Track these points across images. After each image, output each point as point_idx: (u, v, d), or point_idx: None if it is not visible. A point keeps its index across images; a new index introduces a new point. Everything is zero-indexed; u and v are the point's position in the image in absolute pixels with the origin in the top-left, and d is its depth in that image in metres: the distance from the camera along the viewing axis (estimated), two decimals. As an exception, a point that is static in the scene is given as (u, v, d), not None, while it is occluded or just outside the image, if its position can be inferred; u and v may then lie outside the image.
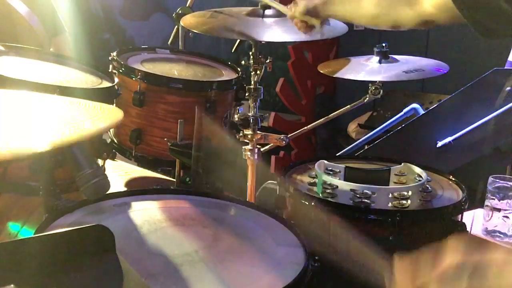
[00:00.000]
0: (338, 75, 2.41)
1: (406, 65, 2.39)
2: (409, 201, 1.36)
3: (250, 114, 1.94)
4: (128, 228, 1.11)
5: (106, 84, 1.56)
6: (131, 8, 4.66)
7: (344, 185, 1.40)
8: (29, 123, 0.79)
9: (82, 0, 3.85)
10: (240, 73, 1.87)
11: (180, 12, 2.11)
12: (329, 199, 1.36)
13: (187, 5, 2.17)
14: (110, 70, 1.70)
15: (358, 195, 1.35)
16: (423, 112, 2.56)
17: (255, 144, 1.97)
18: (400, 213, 1.30)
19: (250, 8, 1.89)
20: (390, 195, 1.37)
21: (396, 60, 2.42)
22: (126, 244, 1.03)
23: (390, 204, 1.35)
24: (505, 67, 2.44)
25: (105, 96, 1.49)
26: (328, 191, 1.39)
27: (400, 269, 0.81)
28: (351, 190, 1.37)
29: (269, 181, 2.72)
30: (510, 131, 2.20)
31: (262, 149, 2.05)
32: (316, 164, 1.50)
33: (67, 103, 0.93)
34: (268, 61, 1.96)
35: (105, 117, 0.84)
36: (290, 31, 1.78)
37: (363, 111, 3.67)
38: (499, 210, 1.73)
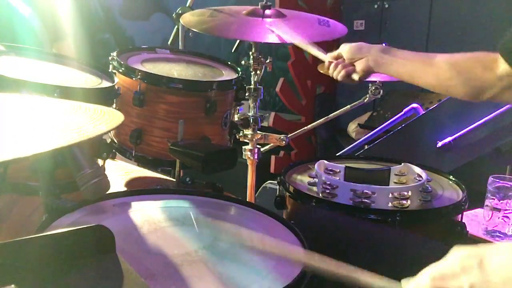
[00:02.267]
0: (338, 75, 2.41)
1: (406, 65, 2.38)
2: (409, 201, 1.36)
3: (250, 114, 1.94)
4: (128, 228, 1.11)
5: (106, 84, 1.56)
6: (131, 8, 4.67)
7: (344, 185, 1.40)
8: (29, 125, 0.79)
9: (82, 0, 3.85)
10: (240, 73, 1.87)
11: (180, 12, 2.11)
12: (329, 199, 1.36)
13: (187, 5, 2.17)
14: (110, 70, 1.70)
15: (358, 195, 1.35)
16: (423, 112, 2.56)
17: (255, 144, 1.98)
18: (400, 213, 1.30)
19: (250, 8, 1.89)
20: (390, 195, 1.37)
21: (396, 60, 2.42)
22: (126, 244, 1.03)
23: (390, 204, 1.35)
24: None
25: (105, 96, 1.49)
26: (328, 191, 1.39)
27: None
28: (351, 190, 1.37)
29: (269, 181, 2.73)
30: (510, 131, 2.19)
31: (262, 149, 2.05)
32: (316, 164, 1.50)
33: (68, 106, 0.93)
34: (268, 61, 1.96)
35: (106, 120, 0.84)
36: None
37: (363, 111, 3.68)
38: (499, 210, 1.73)
